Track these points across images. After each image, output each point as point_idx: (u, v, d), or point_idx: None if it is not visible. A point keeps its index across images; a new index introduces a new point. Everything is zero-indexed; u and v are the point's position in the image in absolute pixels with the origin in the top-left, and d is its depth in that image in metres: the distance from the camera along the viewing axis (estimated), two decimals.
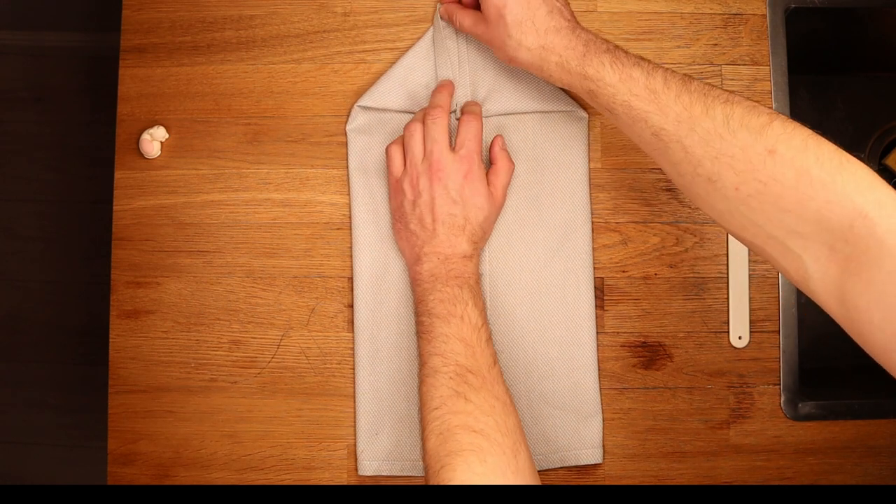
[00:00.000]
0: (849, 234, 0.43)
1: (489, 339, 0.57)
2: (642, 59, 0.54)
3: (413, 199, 0.60)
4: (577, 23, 0.58)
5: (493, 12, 0.58)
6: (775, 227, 0.46)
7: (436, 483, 0.51)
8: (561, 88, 0.65)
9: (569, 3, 0.60)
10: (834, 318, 0.46)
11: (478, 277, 0.61)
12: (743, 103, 0.48)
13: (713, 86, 0.51)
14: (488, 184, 0.62)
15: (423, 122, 0.61)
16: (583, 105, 0.66)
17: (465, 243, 0.60)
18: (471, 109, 0.63)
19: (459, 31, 0.64)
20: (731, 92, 0.50)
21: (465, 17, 0.63)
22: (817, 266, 0.45)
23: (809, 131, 0.46)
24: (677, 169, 0.51)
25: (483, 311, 0.59)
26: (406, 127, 0.62)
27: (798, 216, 0.45)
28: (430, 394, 0.55)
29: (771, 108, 0.66)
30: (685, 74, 0.52)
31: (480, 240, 0.62)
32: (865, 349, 0.44)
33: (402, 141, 0.62)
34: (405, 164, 0.62)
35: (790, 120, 0.47)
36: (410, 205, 0.61)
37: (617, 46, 0.55)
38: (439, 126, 0.61)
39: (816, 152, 0.45)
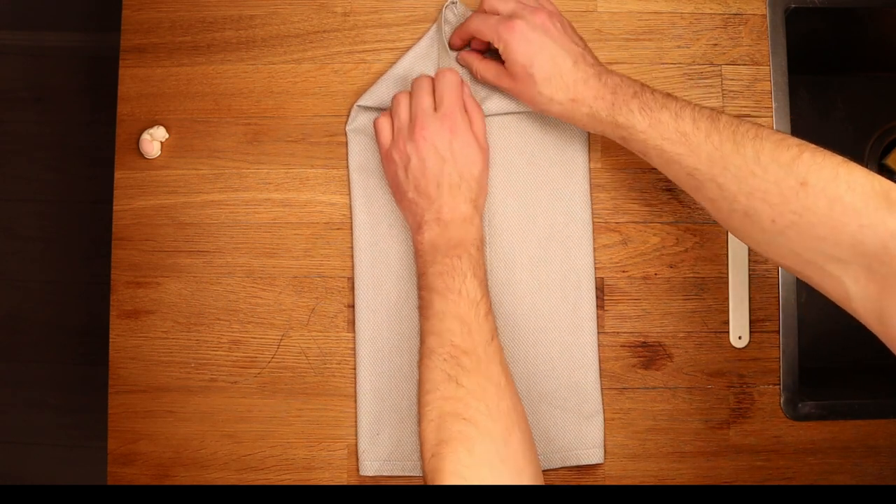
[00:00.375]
0: (884, 255, 0.44)
1: (488, 312, 0.57)
2: (669, 97, 0.55)
3: (404, 165, 0.60)
4: (601, 66, 0.59)
5: (519, 70, 0.59)
6: (813, 253, 0.48)
7: (428, 469, 0.52)
8: None
9: (588, 46, 0.60)
10: (875, 333, 0.47)
11: (480, 243, 0.60)
12: (772, 137, 0.50)
13: (741, 119, 0.52)
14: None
15: (411, 88, 0.62)
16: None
17: (463, 203, 0.60)
18: (446, 69, 0.63)
19: (483, 82, 0.64)
20: (759, 126, 0.51)
21: (488, 71, 0.62)
22: (857, 287, 0.46)
23: (840, 158, 0.48)
24: (714, 205, 0.53)
25: (483, 282, 0.58)
26: (393, 97, 0.63)
27: (834, 243, 0.46)
28: (426, 376, 0.55)
29: (770, 108, 0.66)
30: (712, 109, 0.53)
31: (478, 197, 0.61)
32: None
33: (390, 112, 0.63)
34: (393, 133, 0.62)
35: (819, 149, 0.49)
36: (403, 172, 0.60)
37: (644, 86, 0.56)
38: (422, 86, 0.61)
39: (847, 180, 0.46)
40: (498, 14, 0.61)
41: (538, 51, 0.58)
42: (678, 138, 0.53)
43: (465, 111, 0.62)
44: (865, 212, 0.45)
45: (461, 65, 0.65)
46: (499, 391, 0.54)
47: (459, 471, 0.50)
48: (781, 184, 0.48)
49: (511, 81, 0.60)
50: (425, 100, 0.61)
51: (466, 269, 0.57)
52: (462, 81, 0.62)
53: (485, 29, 0.60)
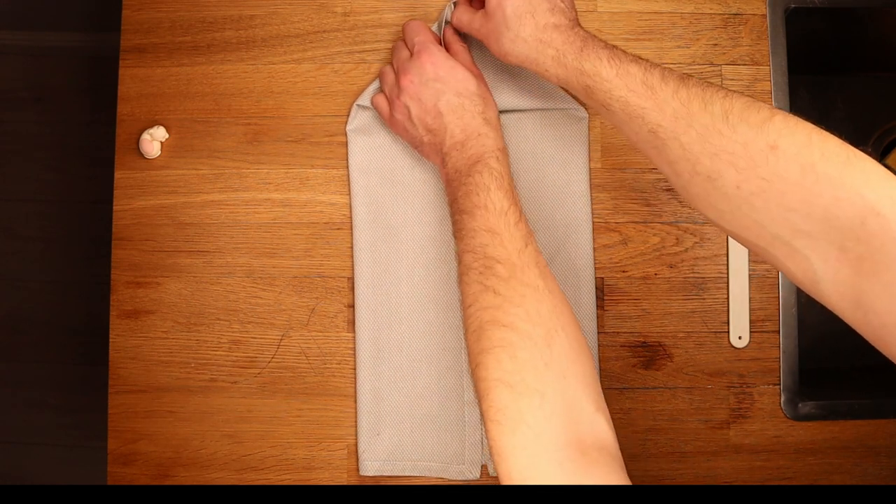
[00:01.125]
0: (860, 232, 0.41)
1: (518, 220, 0.55)
2: (640, 57, 0.53)
3: (407, 117, 0.61)
4: (579, 23, 0.57)
5: (493, 6, 0.58)
6: (780, 226, 0.44)
7: (476, 379, 0.50)
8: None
9: (574, 6, 0.59)
10: (848, 321, 0.44)
11: (500, 153, 0.59)
12: (742, 98, 0.47)
13: (713, 84, 0.50)
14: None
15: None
16: (582, 104, 0.66)
17: (471, 119, 0.59)
18: (406, 21, 0.64)
19: (458, 28, 0.64)
20: (731, 90, 0.49)
21: (464, 13, 0.62)
22: (826, 267, 0.43)
23: (812, 126, 0.44)
24: (675, 168, 0.49)
25: (509, 192, 0.57)
26: (379, 72, 0.65)
27: (804, 214, 0.43)
28: (465, 291, 0.54)
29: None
30: (684, 73, 0.51)
31: (486, 109, 0.61)
32: (886, 353, 0.42)
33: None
34: (388, 99, 0.63)
35: (792, 115, 0.45)
36: (410, 124, 0.61)
37: (615, 46, 0.54)
38: (397, 48, 0.63)
39: (821, 147, 0.43)
40: None
41: None
42: (644, 91, 0.50)
43: (447, 48, 0.63)
44: (841, 183, 0.41)
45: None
46: (537, 295, 0.52)
47: (504, 377, 0.48)
48: (750, 145, 0.45)
49: (483, 21, 0.59)
50: (402, 53, 0.62)
51: (489, 183, 0.56)
52: (426, 25, 0.63)
53: None
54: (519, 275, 0.52)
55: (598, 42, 0.54)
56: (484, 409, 0.48)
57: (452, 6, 0.65)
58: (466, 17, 0.62)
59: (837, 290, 0.43)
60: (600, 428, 0.48)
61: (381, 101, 0.64)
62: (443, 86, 0.60)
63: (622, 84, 0.51)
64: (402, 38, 0.64)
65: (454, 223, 0.58)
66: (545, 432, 0.46)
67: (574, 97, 0.66)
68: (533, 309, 0.51)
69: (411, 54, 0.62)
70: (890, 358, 0.42)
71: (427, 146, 0.61)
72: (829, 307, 0.44)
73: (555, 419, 0.47)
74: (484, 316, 0.51)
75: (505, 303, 0.51)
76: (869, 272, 0.41)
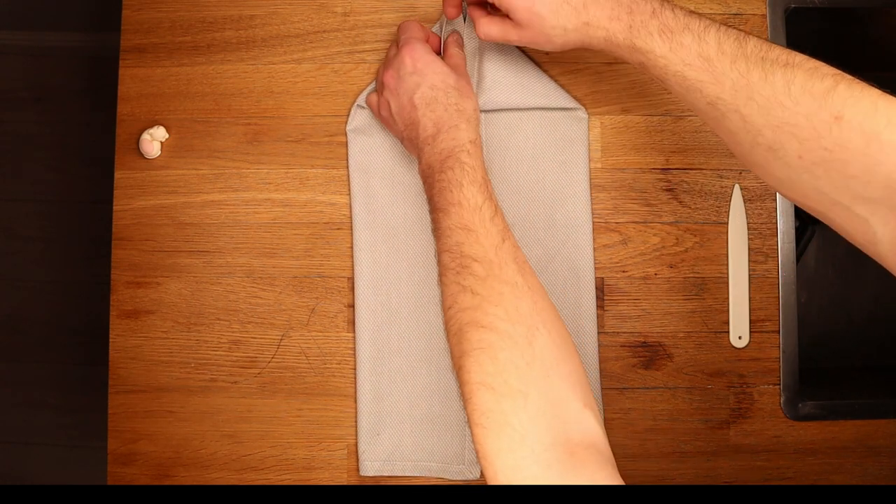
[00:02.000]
0: None
1: (494, 214, 0.55)
2: (692, 15, 0.51)
3: (389, 113, 0.61)
4: None
5: (524, 15, 0.55)
6: (841, 193, 0.44)
7: (460, 383, 0.50)
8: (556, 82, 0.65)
9: None
10: None
11: (471, 146, 0.57)
12: (804, 65, 0.46)
13: (771, 44, 0.48)
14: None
15: None
16: (583, 104, 0.66)
17: (443, 112, 0.58)
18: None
19: (485, 40, 0.61)
20: (791, 51, 0.47)
21: (492, 26, 0.59)
22: (886, 229, 0.43)
23: (879, 92, 0.44)
24: (735, 138, 0.49)
25: (483, 185, 0.55)
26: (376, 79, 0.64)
27: (866, 182, 0.43)
28: (444, 292, 0.53)
29: None
30: (739, 31, 0.49)
31: (460, 101, 0.59)
32: None
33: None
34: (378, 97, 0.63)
35: (857, 81, 0.45)
36: (392, 119, 0.61)
37: (663, 3, 0.52)
38: (391, 49, 0.63)
39: (887, 114, 0.42)
40: None
41: None
42: (701, 64, 0.48)
43: (444, 52, 0.63)
44: None
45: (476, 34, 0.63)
46: (516, 292, 0.51)
47: (485, 380, 0.48)
48: (814, 117, 0.44)
49: (519, 31, 0.57)
50: (391, 51, 0.62)
51: (461, 178, 0.55)
52: (419, 24, 0.63)
53: None
54: (496, 272, 0.52)
55: (644, 6, 0.52)
56: (468, 413, 0.48)
57: (463, 19, 0.64)
58: (497, 31, 0.59)
59: (894, 248, 0.43)
60: (588, 425, 0.47)
61: (372, 99, 0.64)
62: (419, 78, 0.59)
63: (677, 59, 0.50)
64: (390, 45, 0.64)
65: (432, 221, 0.57)
66: (530, 433, 0.46)
67: (578, 98, 0.65)
68: (512, 307, 0.50)
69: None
70: None
71: (407, 141, 0.61)
72: (886, 265, 0.45)
73: (540, 419, 0.46)
74: (463, 318, 0.51)
75: (483, 303, 0.51)
76: None
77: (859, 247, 0.46)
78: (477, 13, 0.60)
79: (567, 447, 0.45)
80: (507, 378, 0.48)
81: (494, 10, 0.59)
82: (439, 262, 0.55)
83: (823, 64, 0.46)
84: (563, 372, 0.49)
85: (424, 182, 0.58)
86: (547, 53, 0.66)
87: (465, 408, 0.49)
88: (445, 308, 0.53)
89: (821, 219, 0.47)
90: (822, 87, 0.45)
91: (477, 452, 0.47)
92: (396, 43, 0.63)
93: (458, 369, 0.50)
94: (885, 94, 0.43)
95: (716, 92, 0.48)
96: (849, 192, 0.44)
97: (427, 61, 0.59)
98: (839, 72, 0.45)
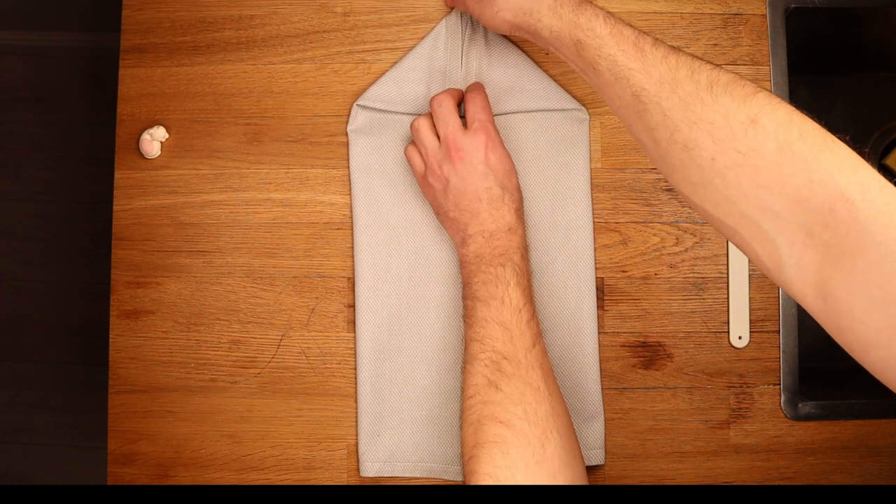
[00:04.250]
0: (829, 217, 0.40)
1: (531, 318, 0.57)
2: (633, 26, 0.52)
3: (443, 187, 0.60)
4: None
5: None
6: (750, 203, 0.43)
7: (466, 472, 0.52)
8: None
9: None
10: (809, 310, 0.43)
11: (524, 251, 0.60)
12: (729, 74, 0.46)
13: (704, 59, 0.49)
14: None
15: (431, 110, 0.61)
16: (584, 104, 0.66)
17: (507, 214, 0.60)
18: (473, 86, 0.63)
19: (452, 4, 0.62)
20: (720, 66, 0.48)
21: None
22: (792, 251, 0.42)
23: (793, 108, 0.44)
24: (653, 135, 0.48)
25: (527, 290, 0.58)
26: (412, 126, 0.62)
27: (776, 193, 0.42)
28: (467, 381, 0.55)
29: None
30: (676, 46, 0.51)
31: (521, 205, 0.61)
32: (843, 345, 0.41)
33: (414, 141, 0.63)
34: (424, 160, 0.61)
35: (775, 95, 0.45)
36: (442, 195, 0.60)
37: (611, 12, 0.54)
38: (446, 108, 0.60)
39: (801, 128, 0.42)
40: None
41: None
42: (634, 52, 0.49)
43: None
44: (815, 165, 0.41)
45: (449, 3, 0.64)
46: (537, 396, 0.54)
47: (493, 472, 0.50)
48: (730, 117, 0.44)
49: None
50: (453, 120, 0.60)
51: (510, 278, 0.57)
52: (489, 104, 0.62)
53: None
54: (523, 373, 0.54)
55: (593, 2, 0.54)
56: None
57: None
58: None
59: (801, 276, 0.42)
60: None
61: (417, 159, 0.62)
62: (491, 173, 0.59)
63: (613, 42, 0.50)
64: (441, 99, 0.61)
65: (466, 307, 0.59)
66: None
67: (578, 98, 0.66)
68: (531, 409, 0.53)
69: (466, 127, 0.61)
70: (844, 347, 0.41)
71: (451, 221, 0.61)
72: (791, 293, 0.43)
73: None
74: (484, 410, 0.53)
75: (505, 399, 0.53)
76: (834, 259, 0.40)
77: (765, 272, 0.45)
78: None
79: None
80: (515, 473, 0.50)
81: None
82: (467, 350, 0.57)
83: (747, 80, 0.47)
84: (568, 476, 0.52)
85: (465, 267, 0.60)
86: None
87: None
88: (467, 396, 0.55)
89: (730, 237, 0.47)
90: (743, 92, 0.45)
91: None
92: (451, 101, 0.61)
93: (468, 458, 0.52)
94: (799, 111, 0.44)
95: (642, 81, 0.48)
96: (758, 203, 0.43)
97: (500, 156, 0.60)
98: (761, 87, 0.46)
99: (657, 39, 0.50)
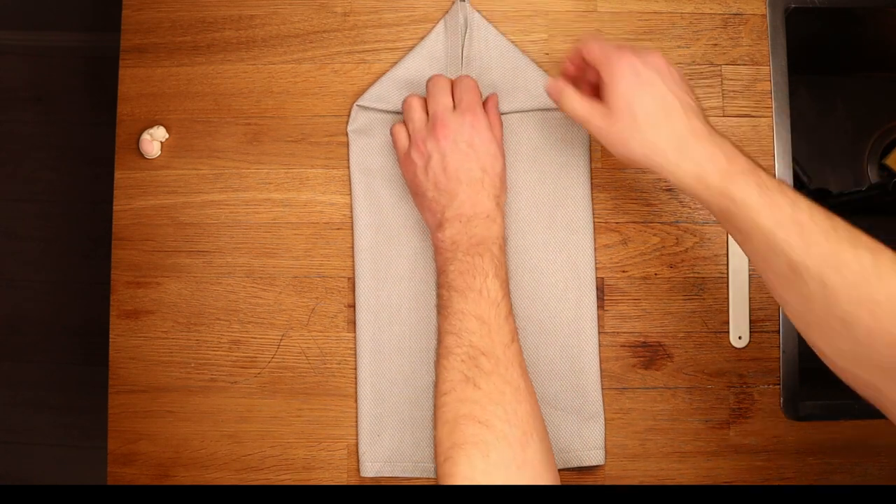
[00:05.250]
0: None
1: (509, 314, 0.55)
2: (784, 183, 0.50)
3: (424, 164, 0.59)
4: (713, 127, 0.52)
5: (621, 105, 0.52)
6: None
7: (440, 474, 0.50)
8: None
9: (702, 106, 0.54)
10: None
11: (502, 241, 0.58)
12: (889, 252, 0.47)
13: (858, 229, 0.48)
14: None
15: (426, 89, 0.61)
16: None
17: (486, 199, 0.58)
18: (464, 75, 0.62)
19: (570, 116, 0.57)
20: (879, 242, 0.48)
21: (577, 102, 0.55)
22: None
23: None
24: (809, 305, 0.48)
25: (505, 283, 0.56)
26: (404, 101, 0.62)
27: None
28: (443, 376, 0.53)
29: (770, 108, 0.66)
30: (827, 210, 0.49)
31: (501, 194, 0.60)
32: None
33: (404, 119, 0.62)
34: (410, 136, 0.61)
35: None
36: (423, 172, 0.59)
37: (756, 164, 0.50)
38: (440, 87, 0.60)
39: None
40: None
41: (647, 88, 0.52)
42: (793, 227, 0.47)
43: (486, 113, 0.61)
44: None
45: (549, 94, 0.58)
46: (517, 395, 0.52)
47: (472, 476, 0.48)
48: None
49: (605, 119, 0.53)
50: (444, 98, 0.60)
51: (488, 268, 0.55)
52: (479, 88, 0.61)
53: (596, 50, 0.54)
54: (502, 371, 0.52)
55: (740, 161, 0.50)
56: None
57: (460, 5, 0.65)
58: (582, 110, 0.55)
59: None
60: None
61: (402, 136, 0.61)
62: (473, 155, 0.58)
63: (770, 216, 0.48)
64: (437, 80, 0.61)
65: (440, 297, 0.57)
66: None
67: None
68: (511, 409, 0.51)
69: (454, 106, 0.60)
70: None
71: (428, 201, 0.59)
72: None
73: None
74: (461, 409, 0.51)
75: (484, 398, 0.51)
76: None
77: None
78: (564, 83, 0.57)
79: None
80: (496, 477, 0.48)
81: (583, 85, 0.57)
82: (441, 343, 0.55)
83: None
84: (548, 480, 0.50)
85: (440, 253, 0.58)
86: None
87: None
88: (441, 392, 0.52)
89: (865, 394, 0.48)
90: None
91: None
92: (444, 83, 0.61)
93: (444, 460, 0.50)
94: None
95: (802, 258, 0.47)
96: None
97: (486, 139, 0.59)
98: None
99: (811, 205, 0.48)
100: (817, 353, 0.51)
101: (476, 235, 0.57)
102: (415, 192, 0.61)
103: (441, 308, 0.56)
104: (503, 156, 0.61)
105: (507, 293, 0.56)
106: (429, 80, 0.62)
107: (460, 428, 0.50)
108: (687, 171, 0.51)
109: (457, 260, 0.56)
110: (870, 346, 0.45)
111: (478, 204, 0.58)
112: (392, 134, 0.62)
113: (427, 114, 0.60)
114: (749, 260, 0.51)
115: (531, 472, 0.49)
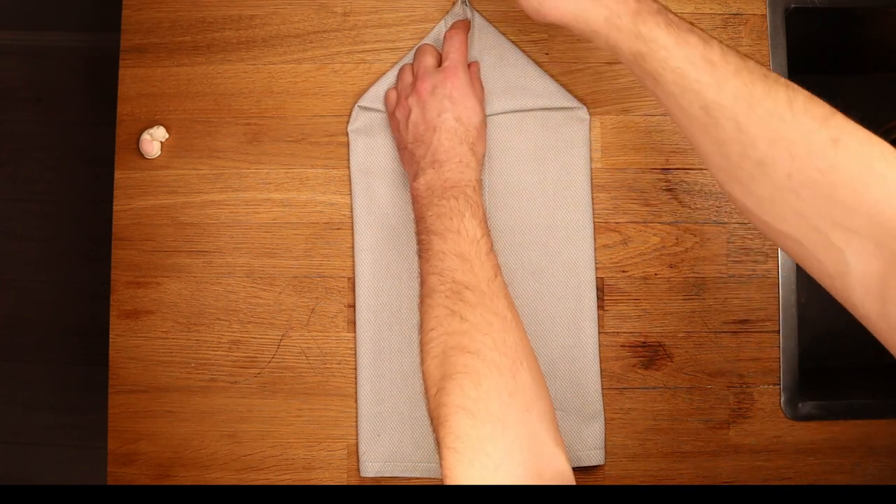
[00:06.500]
0: None
1: (490, 250, 0.55)
2: (695, 26, 0.49)
3: (405, 118, 0.61)
4: None
5: None
6: (822, 218, 0.44)
7: (433, 406, 0.49)
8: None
9: None
10: (864, 317, 0.44)
11: (477, 185, 0.58)
12: (804, 91, 0.46)
13: (769, 70, 0.48)
14: None
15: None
16: (585, 104, 0.66)
17: (459, 145, 0.59)
18: (457, 24, 0.64)
19: None
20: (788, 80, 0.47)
21: None
22: (859, 261, 0.43)
23: (870, 132, 0.45)
24: (723, 149, 0.47)
25: (483, 222, 0.56)
26: (400, 68, 0.65)
27: (850, 209, 0.43)
28: (427, 314, 0.53)
29: None
30: (743, 54, 0.48)
31: (476, 142, 0.60)
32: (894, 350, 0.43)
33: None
34: (397, 96, 0.63)
35: (849, 118, 0.45)
36: (404, 126, 0.61)
37: (667, 8, 0.50)
38: (426, 50, 0.63)
39: (881, 148, 0.43)
40: None
41: None
42: (704, 65, 0.46)
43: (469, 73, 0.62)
44: (895, 181, 0.42)
45: None
46: (505, 325, 0.51)
47: (466, 404, 0.47)
48: (812, 136, 0.44)
49: None
50: (428, 59, 0.62)
51: (464, 209, 0.56)
52: (466, 45, 0.63)
53: None
54: (487, 302, 0.52)
55: (649, 3, 0.50)
56: (441, 437, 0.47)
57: (461, 5, 0.65)
58: None
59: (863, 283, 0.43)
60: (559, 461, 0.47)
61: (392, 96, 0.64)
62: (451, 105, 0.60)
63: (681, 54, 0.47)
64: (424, 46, 0.64)
65: (420, 242, 0.57)
66: (504, 463, 0.45)
67: (579, 97, 0.66)
68: (500, 338, 0.50)
69: (439, 65, 0.62)
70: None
71: (408, 153, 0.61)
72: (848, 300, 0.45)
73: (515, 451, 0.46)
74: (449, 341, 0.51)
75: (472, 329, 0.50)
76: None
77: (826, 281, 0.46)
78: None
79: (539, 481, 0.45)
80: (489, 405, 0.48)
81: None
82: (424, 284, 0.55)
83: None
84: (540, 409, 0.49)
85: (416, 201, 0.59)
86: (543, 38, 0.66)
87: (435, 431, 0.48)
88: (427, 329, 0.52)
89: (792, 247, 0.47)
90: (822, 112, 0.45)
91: (444, 478, 0.46)
92: (433, 49, 0.63)
93: (435, 391, 0.50)
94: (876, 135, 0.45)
95: (715, 97, 0.46)
96: (830, 218, 0.44)
97: (464, 94, 0.60)
98: (835, 108, 0.46)
99: (722, 46, 0.48)
100: (738, 207, 0.50)
101: (450, 179, 0.58)
102: (399, 146, 0.63)
103: (422, 252, 0.56)
104: (483, 111, 0.62)
105: (487, 232, 0.56)
106: (417, 47, 0.64)
107: (450, 359, 0.50)
108: (598, 14, 0.50)
109: (433, 205, 0.57)
110: (791, 189, 0.45)
111: (451, 150, 0.59)
112: (385, 97, 0.65)
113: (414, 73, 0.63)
114: (664, 106, 0.50)
115: (522, 399, 0.49)
